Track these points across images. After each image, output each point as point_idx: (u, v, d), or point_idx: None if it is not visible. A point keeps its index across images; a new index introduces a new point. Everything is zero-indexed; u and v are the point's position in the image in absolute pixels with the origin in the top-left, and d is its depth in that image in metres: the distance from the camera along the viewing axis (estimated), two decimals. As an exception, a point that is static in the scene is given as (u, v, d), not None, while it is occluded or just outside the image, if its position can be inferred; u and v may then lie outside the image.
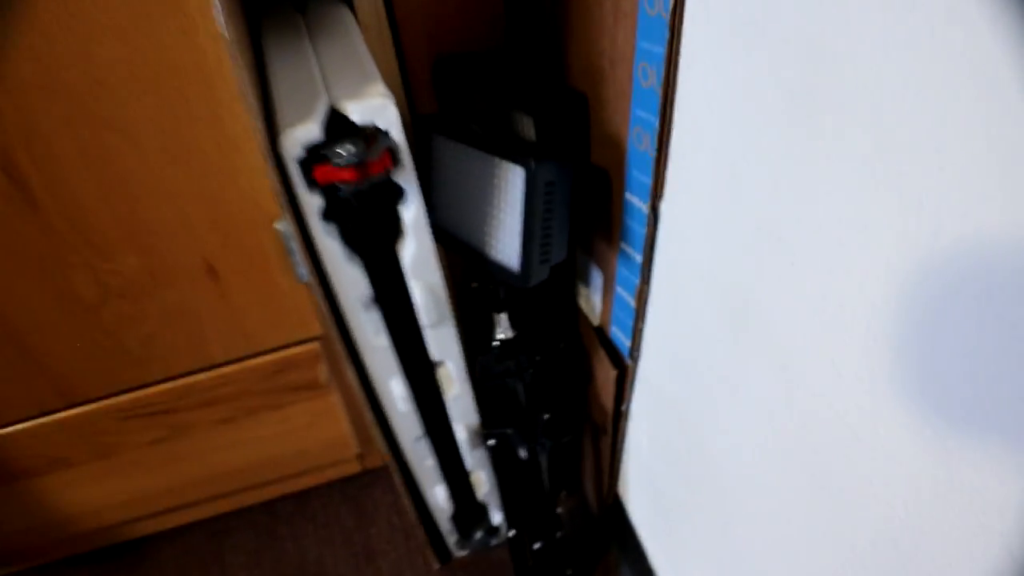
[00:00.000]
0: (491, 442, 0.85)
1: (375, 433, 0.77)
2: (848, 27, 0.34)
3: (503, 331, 0.77)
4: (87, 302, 0.76)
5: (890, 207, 0.34)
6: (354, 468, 1.11)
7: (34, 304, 0.75)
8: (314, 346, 0.86)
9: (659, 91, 0.53)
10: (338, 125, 0.54)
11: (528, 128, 0.67)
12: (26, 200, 0.67)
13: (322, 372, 0.89)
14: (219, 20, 0.50)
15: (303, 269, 0.66)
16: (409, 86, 0.74)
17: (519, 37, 0.76)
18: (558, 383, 0.84)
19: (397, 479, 0.84)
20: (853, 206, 0.37)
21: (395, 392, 0.73)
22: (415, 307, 0.67)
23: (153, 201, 0.69)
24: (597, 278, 0.76)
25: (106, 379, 0.84)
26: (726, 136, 0.48)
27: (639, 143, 0.58)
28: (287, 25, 0.67)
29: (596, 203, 0.69)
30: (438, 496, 0.90)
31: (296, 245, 0.62)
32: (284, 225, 0.71)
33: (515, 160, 0.62)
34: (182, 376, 0.85)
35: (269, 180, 0.55)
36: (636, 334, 0.71)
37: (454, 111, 0.74)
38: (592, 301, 0.79)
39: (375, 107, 0.55)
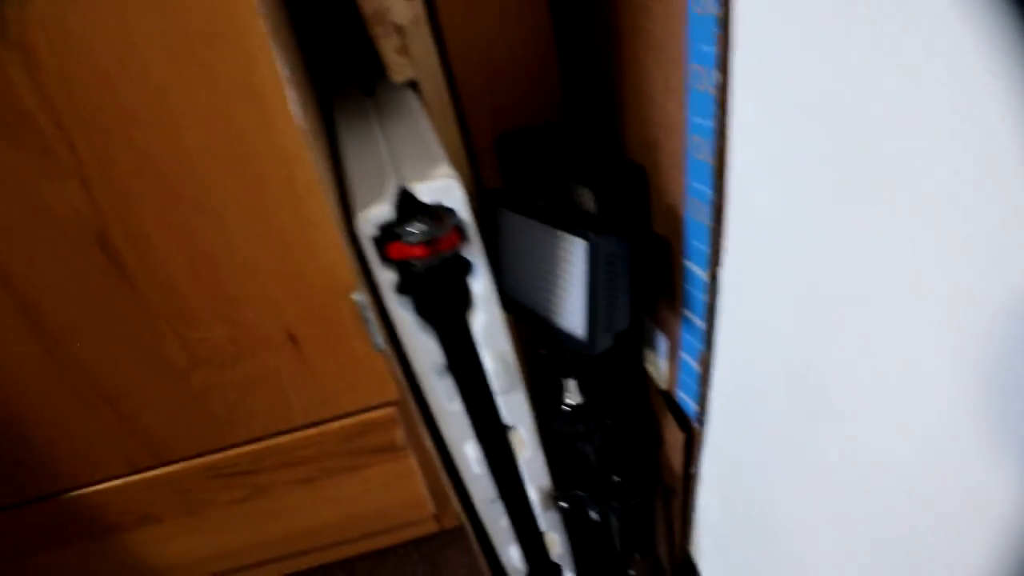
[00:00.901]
0: (563, 504, 0.86)
1: (450, 494, 0.79)
2: (897, 98, 0.35)
3: (572, 396, 0.79)
4: (177, 368, 0.80)
5: (951, 267, 0.35)
6: (431, 528, 1.13)
7: (127, 369, 0.80)
8: (391, 410, 0.89)
9: (712, 163, 0.55)
10: (409, 204, 0.58)
11: (589, 200, 0.69)
12: (121, 274, 0.72)
13: (399, 435, 0.92)
14: (295, 112, 0.54)
15: (379, 338, 0.69)
16: (475, 161, 0.78)
17: (577, 112, 0.78)
18: (628, 446, 0.85)
19: (472, 539, 0.85)
20: (912, 269, 0.38)
21: (469, 455, 0.75)
22: (487, 374, 0.70)
23: (238, 275, 0.74)
24: (662, 343, 0.77)
25: (193, 440, 0.88)
26: (780, 204, 0.49)
27: (696, 212, 0.60)
28: (357, 108, 0.71)
29: (658, 270, 0.71)
30: (512, 556, 0.91)
31: (372, 315, 0.65)
32: (360, 296, 0.75)
33: (577, 233, 0.64)
34: (265, 438, 0.89)
35: (345, 255, 0.59)
36: (702, 398, 0.72)
37: (518, 185, 0.77)
38: (659, 365, 0.80)
39: (442, 187, 0.58)
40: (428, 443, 0.73)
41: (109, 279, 0.72)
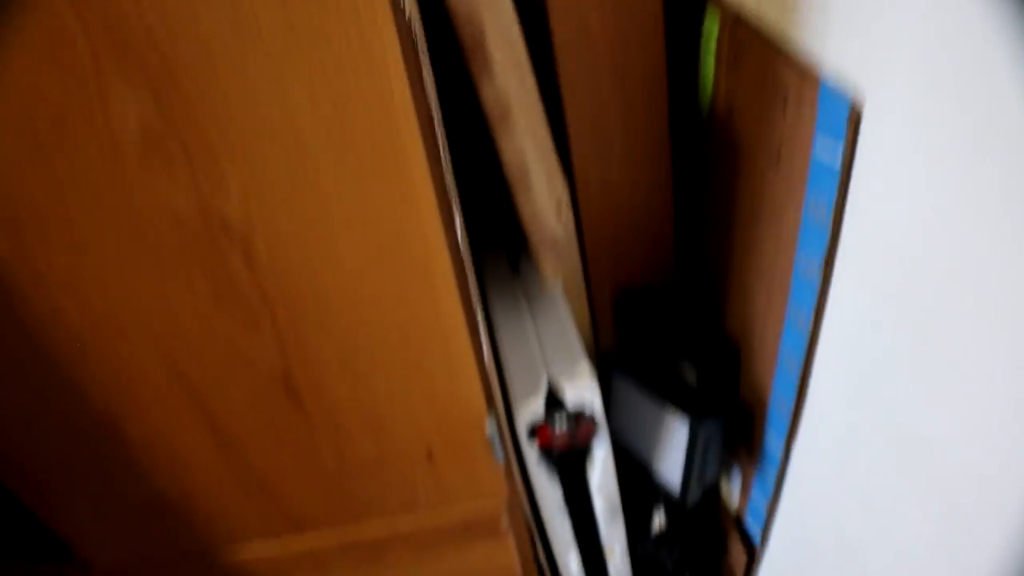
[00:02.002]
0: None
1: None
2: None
3: (659, 522, 0.95)
4: (327, 470, 0.97)
5: None
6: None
7: (285, 467, 0.96)
8: (500, 500, 1.05)
9: (797, 375, 0.70)
10: (554, 396, 0.73)
11: (691, 373, 0.84)
12: (296, 406, 0.88)
13: (503, 520, 1.08)
14: (460, 292, 0.69)
15: (500, 454, 0.85)
16: (594, 314, 0.93)
17: (687, 277, 0.93)
18: (701, 558, 1.00)
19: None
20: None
21: (571, 564, 0.91)
22: (596, 511, 0.86)
23: (391, 403, 0.89)
24: (737, 477, 0.92)
25: (330, 515, 1.05)
26: (853, 410, 0.64)
27: (778, 402, 0.75)
28: (507, 285, 0.87)
29: (742, 430, 0.86)
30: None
31: (498, 440, 0.80)
32: (491, 428, 0.91)
33: (682, 410, 0.79)
34: (389, 517, 1.06)
35: (479, 389, 0.74)
36: (764, 538, 0.87)
37: (631, 346, 0.92)
38: (732, 491, 0.95)
39: (584, 389, 0.73)
40: (539, 550, 0.89)
41: (286, 409, 0.87)
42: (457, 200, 0.78)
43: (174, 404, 0.79)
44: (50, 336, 0.69)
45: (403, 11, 0.58)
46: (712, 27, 0.74)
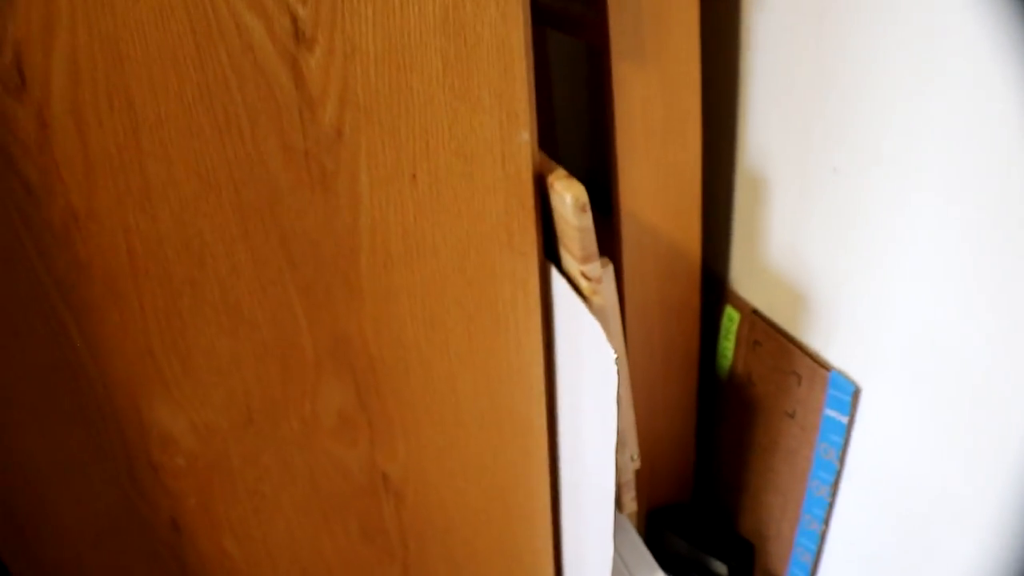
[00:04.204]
0: None
1: None
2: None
3: None
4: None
5: None
6: None
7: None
8: None
9: (810, 565, 0.88)
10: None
11: (719, 566, 1.01)
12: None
13: None
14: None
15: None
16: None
17: (704, 493, 1.11)
18: None
19: None
20: None
21: None
22: None
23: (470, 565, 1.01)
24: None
25: None
26: None
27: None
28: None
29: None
30: None
31: None
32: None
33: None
34: None
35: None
36: None
37: (661, 554, 1.09)
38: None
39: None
40: None
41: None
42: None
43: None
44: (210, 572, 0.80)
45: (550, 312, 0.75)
46: (733, 315, 0.96)
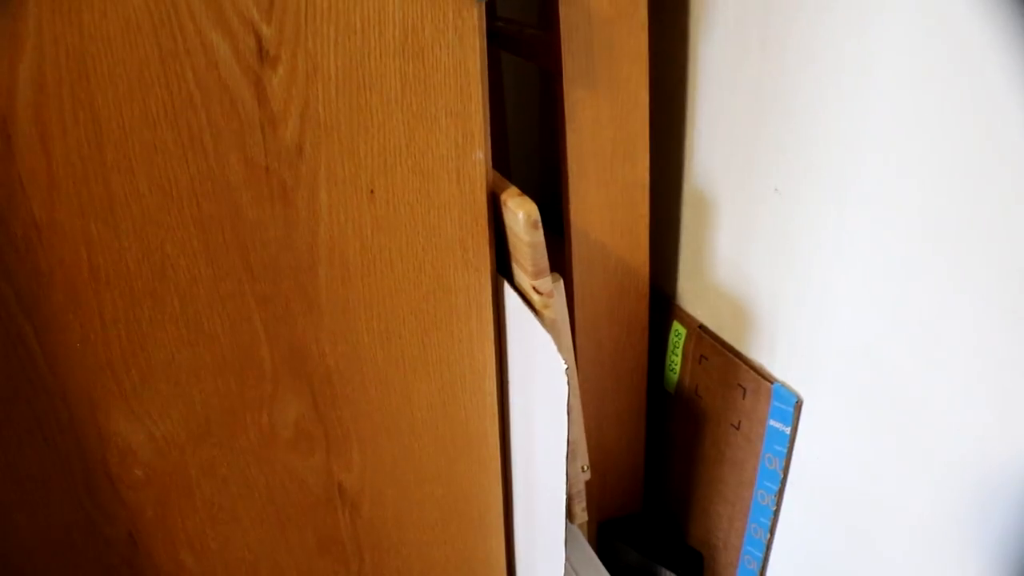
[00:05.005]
0: None
1: None
2: None
3: None
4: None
5: None
6: None
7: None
8: None
9: (756, 571, 0.91)
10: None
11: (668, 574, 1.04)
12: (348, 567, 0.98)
13: None
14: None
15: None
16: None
17: (654, 504, 1.14)
18: None
19: None
20: None
21: None
22: None
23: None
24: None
25: None
26: None
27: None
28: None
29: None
30: None
31: None
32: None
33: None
34: None
35: None
36: None
37: (614, 565, 1.11)
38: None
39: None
40: None
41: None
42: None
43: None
44: (165, 584, 0.80)
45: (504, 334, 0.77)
46: (680, 331, 0.99)
